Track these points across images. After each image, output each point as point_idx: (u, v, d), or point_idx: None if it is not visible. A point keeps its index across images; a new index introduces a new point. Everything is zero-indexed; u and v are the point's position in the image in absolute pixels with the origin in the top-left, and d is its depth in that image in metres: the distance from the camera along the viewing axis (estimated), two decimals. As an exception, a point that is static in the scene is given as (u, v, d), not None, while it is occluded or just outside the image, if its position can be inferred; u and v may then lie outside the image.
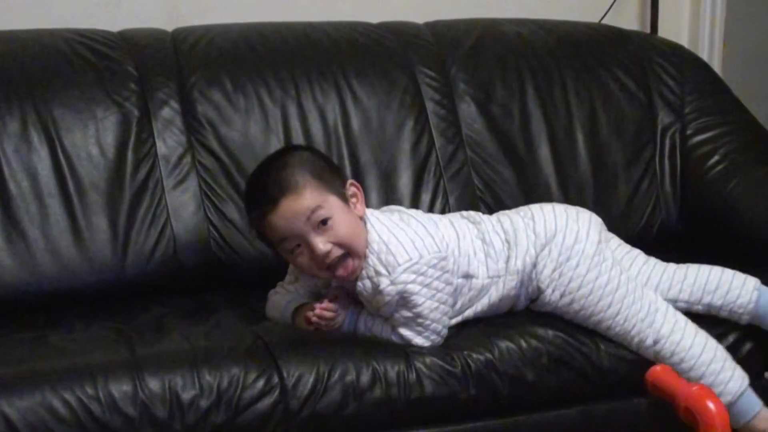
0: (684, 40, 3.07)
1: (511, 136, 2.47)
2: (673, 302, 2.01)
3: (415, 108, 2.42)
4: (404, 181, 2.35)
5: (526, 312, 2.03)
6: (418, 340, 1.87)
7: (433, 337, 1.88)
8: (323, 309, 1.87)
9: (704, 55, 3.05)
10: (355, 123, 2.36)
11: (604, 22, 2.91)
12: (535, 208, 2.06)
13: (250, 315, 2.03)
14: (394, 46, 2.49)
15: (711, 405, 1.31)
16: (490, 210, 2.38)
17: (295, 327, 1.93)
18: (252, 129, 2.30)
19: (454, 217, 2.05)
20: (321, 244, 1.81)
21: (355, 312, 1.93)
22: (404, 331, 1.87)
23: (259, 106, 2.32)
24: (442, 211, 2.31)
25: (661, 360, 1.89)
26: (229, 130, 2.29)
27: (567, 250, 1.96)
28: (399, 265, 1.84)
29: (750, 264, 2.24)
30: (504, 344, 1.92)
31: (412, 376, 1.84)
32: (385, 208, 2.07)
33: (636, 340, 1.93)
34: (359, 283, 1.87)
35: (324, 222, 1.82)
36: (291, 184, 1.81)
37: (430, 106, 2.44)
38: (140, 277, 2.16)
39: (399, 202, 2.29)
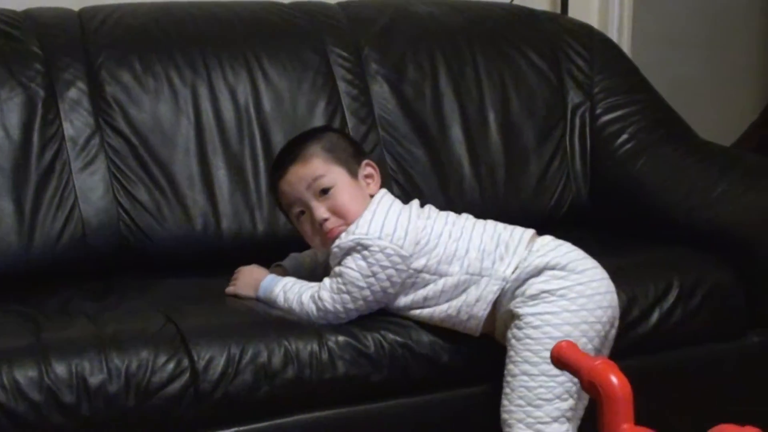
0: (594, 21, 3.11)
1: (424, 117, 2.48)
2: None
3: (327, 88, 2.41)
4: (317, 162, 2.34)
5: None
6: (325, 293, 1.87)
7: (338, 304, 1.86)
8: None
9: (613, 36, 3.10)
10: (267, 104, 2.34)
11: (515, 2, 2.93)
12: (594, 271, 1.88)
13: (160, 298, 2.00)
14: (306, 26, 2.47)
15: (613, 378, 1.33)
16: (402, 188, 2.39)
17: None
18: (162, 110, 2.28)
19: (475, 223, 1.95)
20: (320, 210, 1.90)
21: (276, 277, 1.96)
22: (326, 280, 1.89)
23: (168, 86, 2.29)
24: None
25: None
26: (138, 112, 2.26)
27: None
28: (354, 234, 1.87)
29: (656, 240, 2.30)
30: (418, 324, 1.91)
31: (325, 356, 1.83)
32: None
33: (525, 410, 1.82)
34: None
35: (325, 191, 1.90)
36: (301, 156, 1.93)
37: (342, 86, 2.44)
38: (48, 260, 2.13)
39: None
